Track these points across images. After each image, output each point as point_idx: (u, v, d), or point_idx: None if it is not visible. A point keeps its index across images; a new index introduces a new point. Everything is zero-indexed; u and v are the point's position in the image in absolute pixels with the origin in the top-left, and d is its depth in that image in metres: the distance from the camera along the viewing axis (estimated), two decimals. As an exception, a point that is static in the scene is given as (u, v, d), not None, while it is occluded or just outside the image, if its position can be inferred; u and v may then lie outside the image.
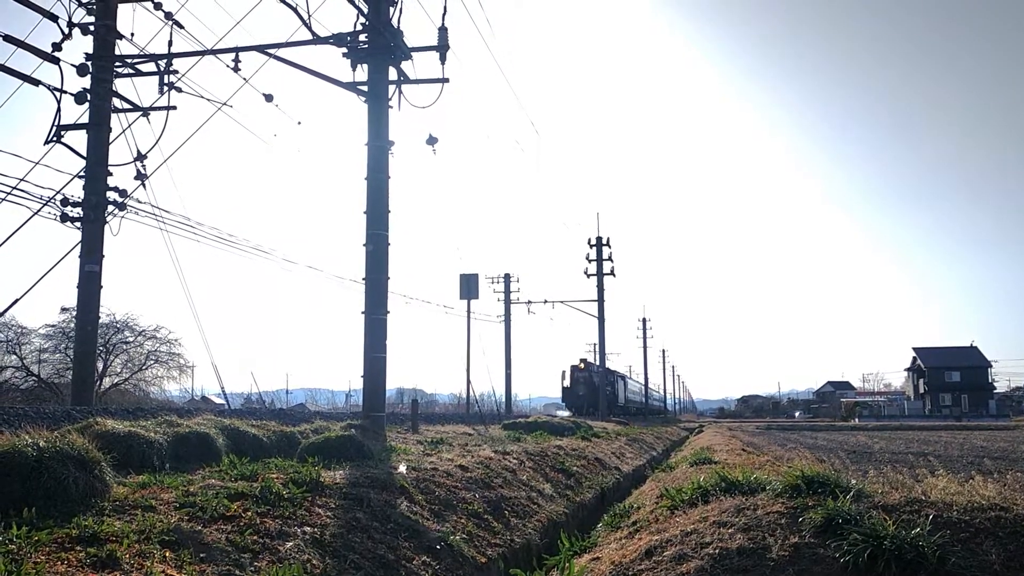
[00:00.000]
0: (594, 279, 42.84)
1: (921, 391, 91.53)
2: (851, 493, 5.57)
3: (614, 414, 47.91)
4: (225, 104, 14.78)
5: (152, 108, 14.96)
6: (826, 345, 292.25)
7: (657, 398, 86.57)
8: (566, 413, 46.52)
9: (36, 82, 13.69)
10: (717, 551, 5.05)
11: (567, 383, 51.37)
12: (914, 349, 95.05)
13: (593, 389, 47.89)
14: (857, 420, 66.88)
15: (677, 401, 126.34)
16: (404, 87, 13.25)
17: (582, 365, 51.03)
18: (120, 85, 14.91)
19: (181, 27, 14.72)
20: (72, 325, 23.07)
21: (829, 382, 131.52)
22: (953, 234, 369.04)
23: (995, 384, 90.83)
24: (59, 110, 14.02)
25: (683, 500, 6.72)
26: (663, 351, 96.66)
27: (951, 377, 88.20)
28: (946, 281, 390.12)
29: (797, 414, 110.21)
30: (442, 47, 13.20)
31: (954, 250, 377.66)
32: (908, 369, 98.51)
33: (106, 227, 14.34)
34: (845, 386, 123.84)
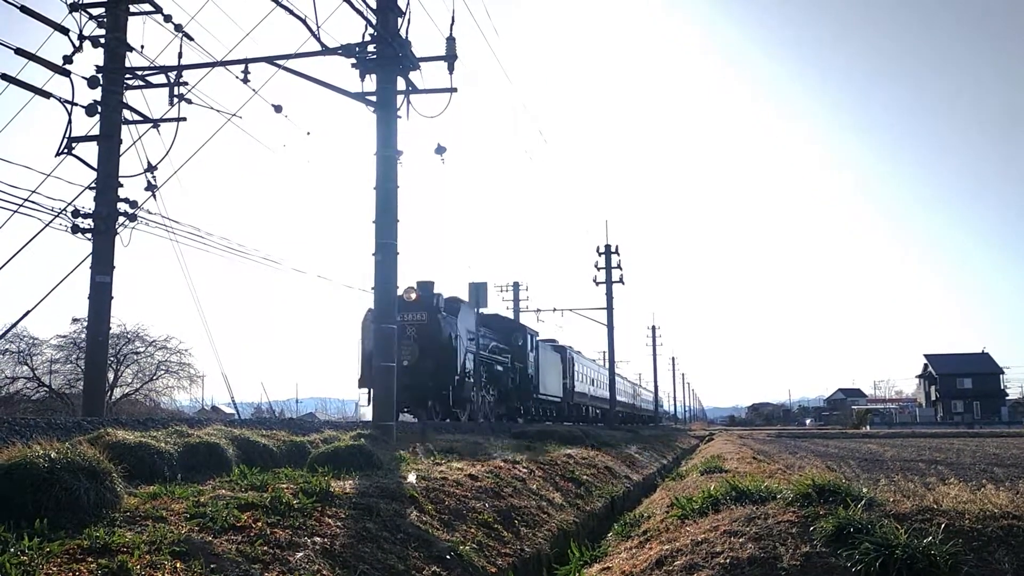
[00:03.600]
0: (603, 287, 42.78)
1: (933, 398, 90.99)
2: (862, 502, 5.54)
3: (535, 416, 28.32)
4: (235, 115, 14.89)
5: (162, 120, 15.06)
6: (837, 352, 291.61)
7: (661, 401, 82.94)
8: (368, 412, 16.56)
9: (47, 94, 13.81)
10: (728, 560, 5.03)
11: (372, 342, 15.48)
12: (925, 356, 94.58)
13: (444, 358, 20.44)
14: (868, 427, 66.45)
15: (687, 409, 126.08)
16: (412, 97, 13.30)
17: (413, 296, 19.95)
18: (130, 97, 15.03)
19: (191, 39, 14.84)
20: (83, 336, 23.20)
21: (840, 389, 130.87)
22: (964, 239, 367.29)
23: (1007, 391, 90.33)
24: (70, 122, 14.14)
25: (693, 509, 6.69)
26: (673, 359, 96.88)
27: (963, 384, 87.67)
28: (957, 287, 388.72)
29: (808, 422, 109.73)
30: (450, 57, 13.24)
31: (965, 255, 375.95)
32: (919, 376, 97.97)
33: (117, 238, 14.43)
34: (856, 393, 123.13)
